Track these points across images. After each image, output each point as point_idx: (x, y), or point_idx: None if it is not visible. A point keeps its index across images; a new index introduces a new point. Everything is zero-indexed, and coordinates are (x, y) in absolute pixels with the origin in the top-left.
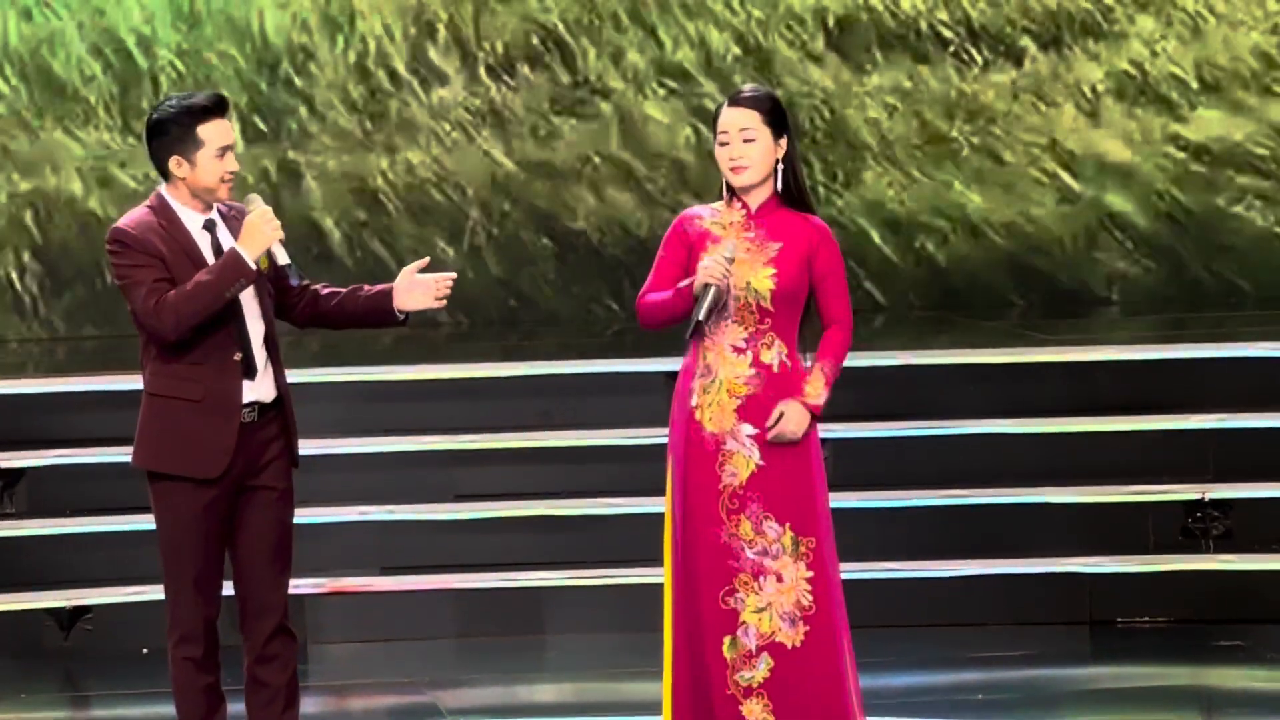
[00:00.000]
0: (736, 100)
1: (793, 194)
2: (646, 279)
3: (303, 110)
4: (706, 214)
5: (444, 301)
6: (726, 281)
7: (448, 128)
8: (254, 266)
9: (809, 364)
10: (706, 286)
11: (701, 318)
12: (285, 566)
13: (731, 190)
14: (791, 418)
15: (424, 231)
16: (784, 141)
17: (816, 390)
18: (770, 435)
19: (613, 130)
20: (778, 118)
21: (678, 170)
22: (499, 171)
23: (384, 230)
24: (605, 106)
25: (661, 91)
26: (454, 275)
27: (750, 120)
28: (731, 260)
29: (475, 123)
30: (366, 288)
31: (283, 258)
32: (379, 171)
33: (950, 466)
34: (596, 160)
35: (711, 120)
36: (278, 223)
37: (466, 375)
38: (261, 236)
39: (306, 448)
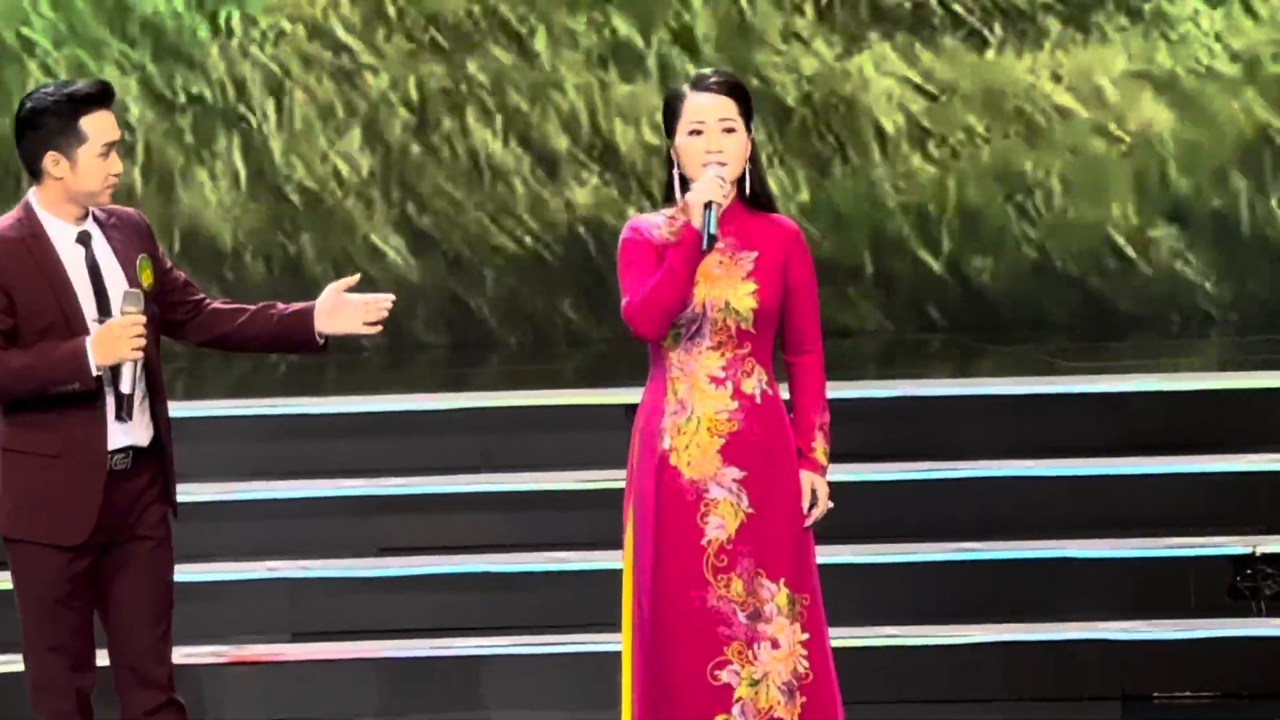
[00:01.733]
0: (707, 85)
1: (757, 194)
2: (625, 291)
3: (207, 94)
4: (660, 221)
5: (377, 327)
6: (725, 200)
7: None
8: (94, 374)
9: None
10: (709, 204)
11: (714, 230)
12: (168, 629)
13: (684, 188)
14: (823, 492)
15: (340, 236)
16: (750, 134)
17: (823, 451)
18: (811, 520)
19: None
20: (749, 108)
21: (646, 166)
22: (436, 165)
23: (293, 233)
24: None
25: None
26: (391, 297)
27: (728, 108)
28: (724, 184)
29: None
30: (279, 306)
31: (126, 384)
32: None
33: (958, 514)
34: (553, 152)
35: (666, 107)
36: (143, 339)
37: (393, 408)
38: (117, 348)
39: (204, 493)
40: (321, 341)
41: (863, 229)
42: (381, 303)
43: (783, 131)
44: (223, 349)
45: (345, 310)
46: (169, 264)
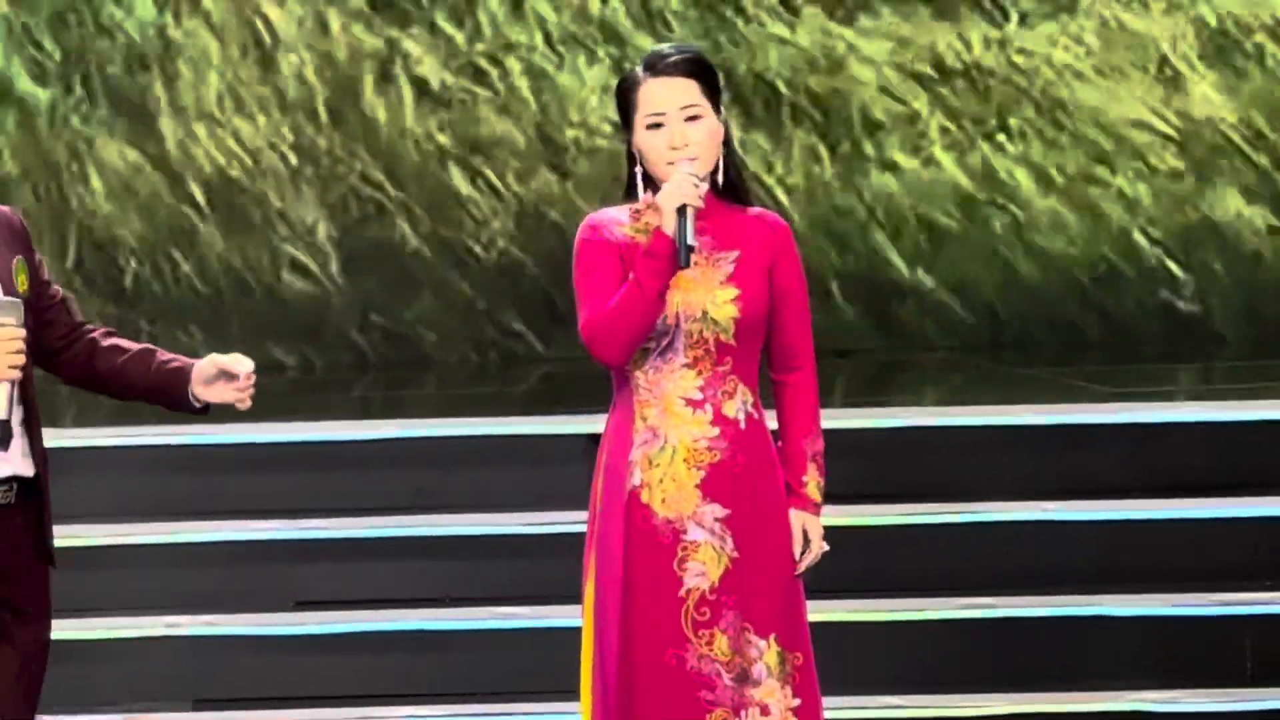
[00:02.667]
0: (662, 67)
1: (734, 185)
2: (581, 308)
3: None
4: (624, 219)
5: (248, 403)
6: (700, 202)
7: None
8: None
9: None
10: (683, 209)
11: (692, 242)
12: (34, 706)
13: (650, 187)
14: (816, 533)
15: (255, 235)
16: (722, 117)
17: (816, 486)
18: (803, 567)
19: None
20: (717, 88)
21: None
22: (361, 158)
23: (195, 238)
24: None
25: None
26: (251, 374)
27: (690, 93)
28: (698, 181)
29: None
30: (161, 356)
31: (2, 409)
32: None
33: (970, 565)
34: (499, 144)
35: (620, 96)
36: (22, 356)
37: (312, 437)
38: None
39: (90, 536)
40: (200, 405)
41: (855, 231)
42: (244, 378)
43: (753, 117)
44: (94, 390)
45: (219, 383)
46: (46, 275)
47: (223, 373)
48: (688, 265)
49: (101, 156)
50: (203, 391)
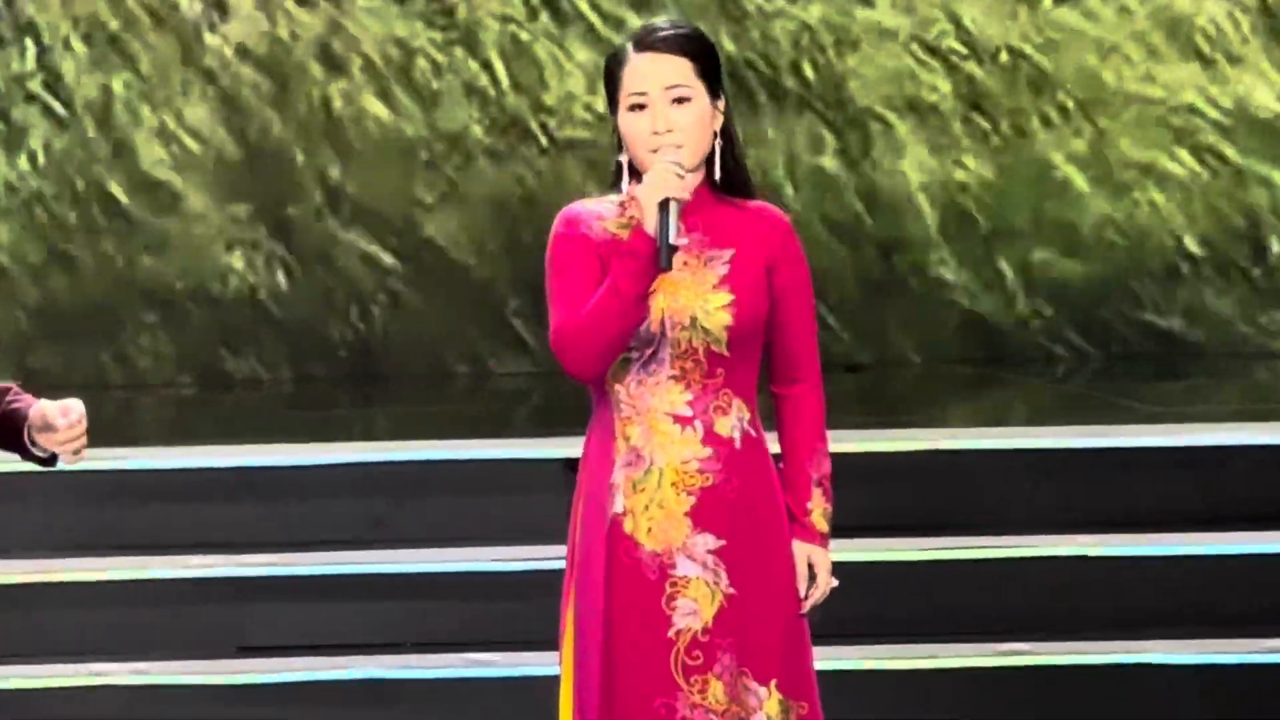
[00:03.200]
0: (651, 42)
1: (731, 177)
2: (553, 310)
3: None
4: (606, 212)
5: (76, 458)
6: (686, 195)
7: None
8: None
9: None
10: (666, 203)
11: (674, 240)
12: None
13: (636, 177)
14: (823, 568)
15: (183, 238)
16: (721, 103)
17: (823, 514)
18: (809, 606)
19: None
20: (714, 69)
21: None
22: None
23: (120, 232)
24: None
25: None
26: (78, 423)
27: (680, 72)
28: (682, 173)
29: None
30: (12, 394)
31: None
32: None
33: (1001, 605)
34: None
35: (607, 74)
36: None
37: (256, 462)
38: None
39: (9, 573)
40: (44, 454)
41: (867, 228)
42: (71, 429)
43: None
44: None
45: (51, 432)
46: None
47: (47, 423)
48: (669, 267)
49: None
50: (41, 438)
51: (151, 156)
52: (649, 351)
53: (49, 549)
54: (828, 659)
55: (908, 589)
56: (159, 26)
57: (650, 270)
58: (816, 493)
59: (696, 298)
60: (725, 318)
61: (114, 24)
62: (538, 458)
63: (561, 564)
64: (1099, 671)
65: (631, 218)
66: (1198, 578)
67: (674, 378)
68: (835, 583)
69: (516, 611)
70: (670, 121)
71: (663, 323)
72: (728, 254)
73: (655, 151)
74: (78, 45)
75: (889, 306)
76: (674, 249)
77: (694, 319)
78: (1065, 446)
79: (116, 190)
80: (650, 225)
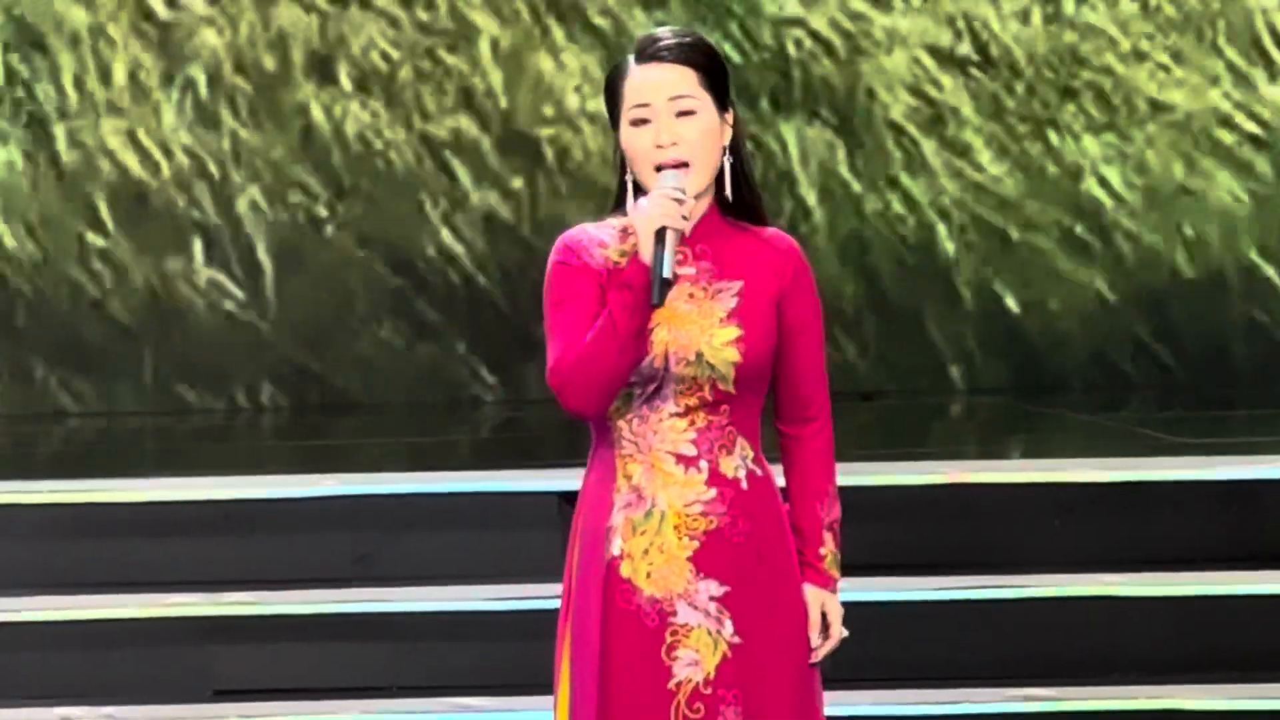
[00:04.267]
0: (655, 53)
1: (743, 199)
2: (551, 343)
3: None
4: (608, 239)
5: None
6: (685, 224)
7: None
8: None
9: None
10: (662, 233)
11: (668, 274)
12: None
13: (642, 197)
14: (836, 616)
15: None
16: (730, 116)
17: (834, 560)
18: (820, 655)
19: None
20: (721, 80)
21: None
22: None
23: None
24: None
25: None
26: None
27: (685, 82)
28: (683, 197)
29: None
30: None
31: None
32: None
33: (1026, 649)
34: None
35: (607, 89)
36: None
37: (233, 495)
38: None
39: None
40: None
41: (880, 249)
42: None
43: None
44: None
45: None
46: None
47: None
48: (660, 303)
49: None
50: None
51: None
52: (652, 387)
53: (14, 586)
54: (839, 704)
55: (922, 631)
56: None
57: (646, 305)
58: (828, 537)
59: (703, 332)
60: (733, 354)
61: None
62: (532, 491)
63: (556, 604)
64: (1125, 718)
65: (634, 244)
66: (1225, 619)
67: (678, 415)
68: (846, 633)
69: (508, 654)
70: (675, 134)
71: (666, 357)
72: (737, 285)
73: (659, 169)
74: None
75: (905, 327)
76: (668, 283)
77: (700, 354)
78: (1087, 480)
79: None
80: (646, 254)
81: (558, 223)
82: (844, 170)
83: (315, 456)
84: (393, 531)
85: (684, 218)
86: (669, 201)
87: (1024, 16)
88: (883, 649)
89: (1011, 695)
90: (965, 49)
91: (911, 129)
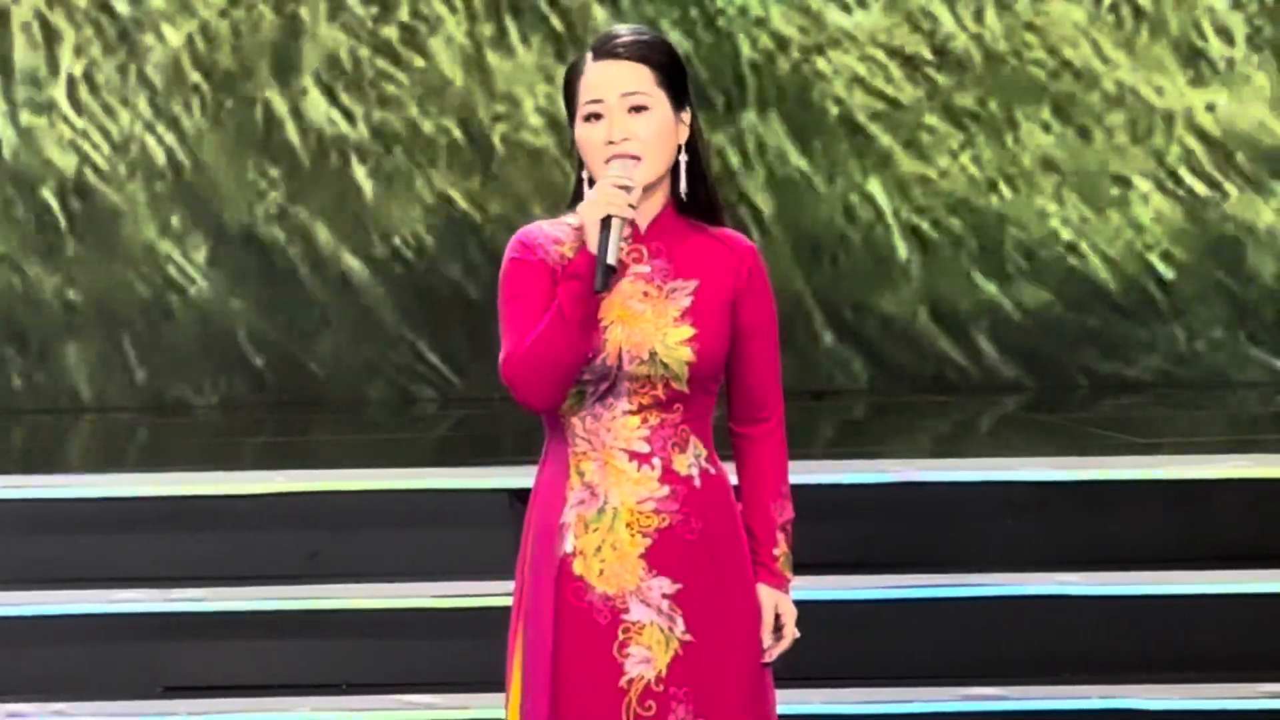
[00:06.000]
0: (611, 49)
1: (699, 199)
2: (505, 337)
3: None
4: (563, 236)
5: None
6: (631, 212)
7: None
8: None
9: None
10: (607, 221)
11: (612, 260)
12: None
13: None
14: (790, 616)
15: (116, 247)
16: (687, 115)
17: (787, 560)
18: (774, 655)
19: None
20: (678, 79)
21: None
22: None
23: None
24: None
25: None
26: None
27: (639, 79)
28: (630, 184)
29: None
30: None
31: None
32: None
33: (977, 648)
34: (415, 138)
35: (565, 86)
36: None
37: (182, 492)
38: None
39: None
40: None
41: (833, 248)
42: None
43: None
44: None
45: None
46: None
47: None
48: (604, 289)
49: None
50: None
51: None
52: (605, 385)
53: None
54: (790, 703)
55: (874, 629)
56: None
57: (593, 294)
58: (780, 537)
59: (656, 331)
60: (687, 354)
61: None
62: (484, 488)
63: (508, 600)
64: (1076, 717)
65: (579, 248)
66: (1177, 619)
67: (631, 413)
68: (799, 633)
69: (460, 651)
70: (627, 130)
71: (620, 356)
72: (691, 285)
73: (609, 163)
74: None
75: (857, 327)
76: (611, 270)
77: (653, 353)
78: (1040, 479)
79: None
80: (593, 243)
81: (512, 219)
82: (795, 164)
83: (266, 452)
84: (344, 528)
85: (632, 206)
86: (616, 190)
87: (979, 15)
88: (834, 648)
89: (963, 694)
90: (920, 47)
91: (844, 123)
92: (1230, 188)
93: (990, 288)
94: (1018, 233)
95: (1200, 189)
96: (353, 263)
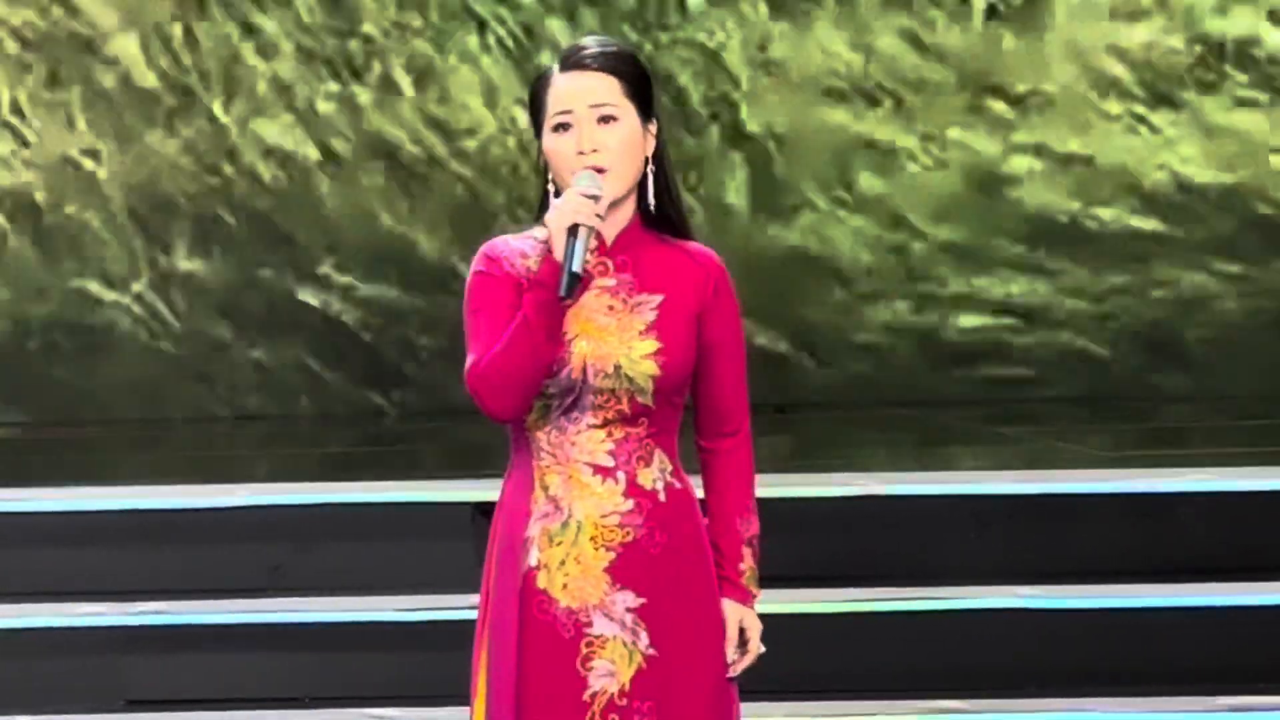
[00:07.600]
0: (579, 61)
1: (666, 211)
2: (470, 348)
3: None
4: (529, 248)
5: None
6: (598, 222)
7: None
8: None
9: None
10: (574, 229)
11: (577, 268)
12: None
13: None
14: (755, 632)
15: (68, 263)
16: (654, 127)
17: (753, 575)
18: (738, 670)
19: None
20: (646, 90)
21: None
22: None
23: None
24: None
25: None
26: None
27: (607, 90)
28: (598, 193)
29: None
30: None
31: None
32: None
33: (938, 661)
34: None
35: (532, 97)
36: None
37: (144, 504)
38: None
39: None
40: None
41: (793, 262)
42: None
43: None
44: None
45: None
46: None
47: None
48: (569, 297)
49: None
50: None
51: None
52: (570, 399)
53: None
54: (754, 716)
55: (838, 643)
56: None
57: (557, 303)
58: (746, 552)
59: (621, 345)
60: (651, 367)
61: None
62: (449, 501)
63: (472, 614)
64: None
65: (543, 260)
66: (1140, 631)
67: (595, 426)
68: (764, 648)
69: (423, 664)
70: (596, 141)
71: (585, 369)
72: (657, 299)
73: (576, 174)
74: None
75: (813, 343)
76: (576, 278)
77: (618, 367)
78: (1002, 492)
79: None
80: (559, 252)
81: (476, 234)
82: (735, 186)
83: (226, 466)
84: (306, 541)
85: (599, 216)
86: (583, 199)
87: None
88: (798, 661)
89: (927, 707)
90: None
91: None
92: None
93: (944, 305)
94: (979, 245)
95: None
96: (308, 271)
